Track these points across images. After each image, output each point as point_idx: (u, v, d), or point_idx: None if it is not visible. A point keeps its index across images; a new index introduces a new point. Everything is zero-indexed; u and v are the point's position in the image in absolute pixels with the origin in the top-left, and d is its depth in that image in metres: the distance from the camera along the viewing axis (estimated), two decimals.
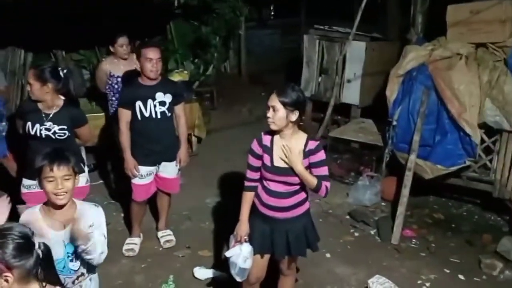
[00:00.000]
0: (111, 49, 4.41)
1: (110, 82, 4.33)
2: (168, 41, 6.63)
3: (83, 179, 3.23)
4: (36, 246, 1.56)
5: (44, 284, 1.59)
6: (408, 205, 4.13)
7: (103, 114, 4.84)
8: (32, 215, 2.17)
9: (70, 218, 2.14)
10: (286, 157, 2.49)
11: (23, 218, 2.19)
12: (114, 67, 4.33)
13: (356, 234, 4.09)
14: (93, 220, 2.24)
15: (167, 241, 3.84)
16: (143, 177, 3.58)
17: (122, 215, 4.22)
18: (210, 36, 6.50)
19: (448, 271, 3.59)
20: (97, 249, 2.13)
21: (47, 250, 1.62)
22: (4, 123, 3.80)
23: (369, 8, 5.69)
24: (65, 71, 3.17)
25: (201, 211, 4.33)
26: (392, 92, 4.48)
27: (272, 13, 9.20)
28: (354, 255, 3.77)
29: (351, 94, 5.85)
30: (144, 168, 3.55)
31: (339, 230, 4.13)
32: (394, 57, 4.88)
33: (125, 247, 3.73)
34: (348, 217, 4.33)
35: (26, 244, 1.54)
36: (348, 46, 5.68)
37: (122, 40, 4.30)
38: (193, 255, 3.71)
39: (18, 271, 1.51)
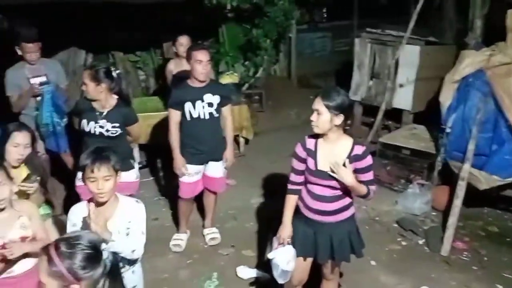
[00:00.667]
0: (173, 48, 4.57)
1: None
2: (220, 44, 6.76)
3: (132, 175, 3.41)
4: (104, 256, 1.54)
5: None
6: (460, 216, 3.96)
7: (156, 113, 5.02)
8: (79, 209, 2.29)
9: (111, 213, 2.25)
10: (334, 172, 2.46)
11: (72, 211, 2.32)
12: (176, 67, 4.49)
13: (404, 243, 3.98)
14: (132, 216, 2.31)
15: (212, 238, 3.92)
16: (190, 175, 3.68)
17: (171, 211, 4.34)
18: (261, 39, 6.55)
19: (500, 286, 3.41)
20: (125, 248, 2.19)
21: (115, 260, 1.63)
22: (65, 120, 4.04)
23: (425, 11, 5.52)
24: (117, 71, 3.33)
25: (246, 211, 4.38)
26: (446, 98, 4.33)
27: (324, 16, 9.11)
28: (400, 264, 3.67)
29: (403, 99, 5.69)
30: (192, 166, 3.65)
31: (386, 238, 4.03)
32: (450, 62, 4.70)
33: (172, 242, 3.84)
34: (395, 225, 4.22)
35: (95, 254, 1.50)
36: (402, 50, 5.53)
37: (182, 39, 4.44)
38: (237, 254, 3.77)
39: (86, 282, 1.48)
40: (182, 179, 3.70)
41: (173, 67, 4.57)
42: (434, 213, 4.37)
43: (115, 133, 3.29)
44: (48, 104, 3.84)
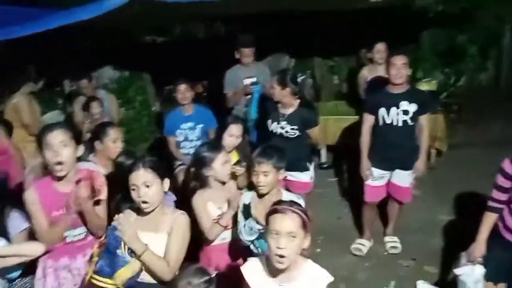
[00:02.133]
0: (368, 55, 4.65)
1: (366, 87, 4.58)
2: (420, 50, 6.51)
3: (307, 176, 3.64)
4: None
5: None
6: None
7: (346, 117, 5.17)
8: (250, 197, 2.63)
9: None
10: None
11: (248, 195, 2.64)
12: (370, 73, 4.57)
13: None
14: None
15: (393, 247, 3.87)
16: (375, 179, 3.69)
17: (353, 212, 4.42)
18: (466, 45, 6.06)
19: None
20: None
21: None
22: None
23: None
24: (302, 77, 3.57)
25: (432, 226, 4.16)
26: None
27: None
28: None
29: None
30: (377, 170, 3.66)
31: None
32: None
33: (354, 245, 3.89)
34: None
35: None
36: None
37: (380, 46, 4.47)
38: (417, 268, 3.64)
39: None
40: (367, 182, 3.74)
41: (367, 74, 4.63)
42: None
43: (294, 134, 3.55)
44: (255, 103, 4.32)
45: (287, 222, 1.87)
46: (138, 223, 2.28)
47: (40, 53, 4.98)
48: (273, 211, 1.94)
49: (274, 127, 3.61)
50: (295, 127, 3.53)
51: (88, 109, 4.48)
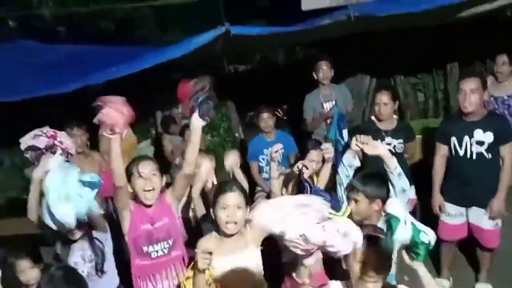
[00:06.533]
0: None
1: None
2: None
3: (413, 191, 3.50)
4: None
5: None
6: None
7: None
8: None
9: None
10: None
11: None
12: (492, 89, 4.25)
13: None
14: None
15: None
16: (450, 216, 3.34)
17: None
18: None
19: None
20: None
21: None
22: (341, 139, 4.38)
23: None
24: None
25: None
26: None
27: None
28: None
29: None
30: (451, 206, 3.32)
31: None
32: None
33: None
34: None
35: None
36: None
37: (500, 59, 4.22)
38: None
39: None
40: (442, 218, 3.39)
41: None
42: None
43: (401, 149, 3.45)
44: (334, 124, 4.24)
45: None
46: (222, 247, 2.31)
47: (136, 85, 5.43)
48: None
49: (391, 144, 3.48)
50: (401, 140, 3.44)
51: (184, 135, 4.80)
